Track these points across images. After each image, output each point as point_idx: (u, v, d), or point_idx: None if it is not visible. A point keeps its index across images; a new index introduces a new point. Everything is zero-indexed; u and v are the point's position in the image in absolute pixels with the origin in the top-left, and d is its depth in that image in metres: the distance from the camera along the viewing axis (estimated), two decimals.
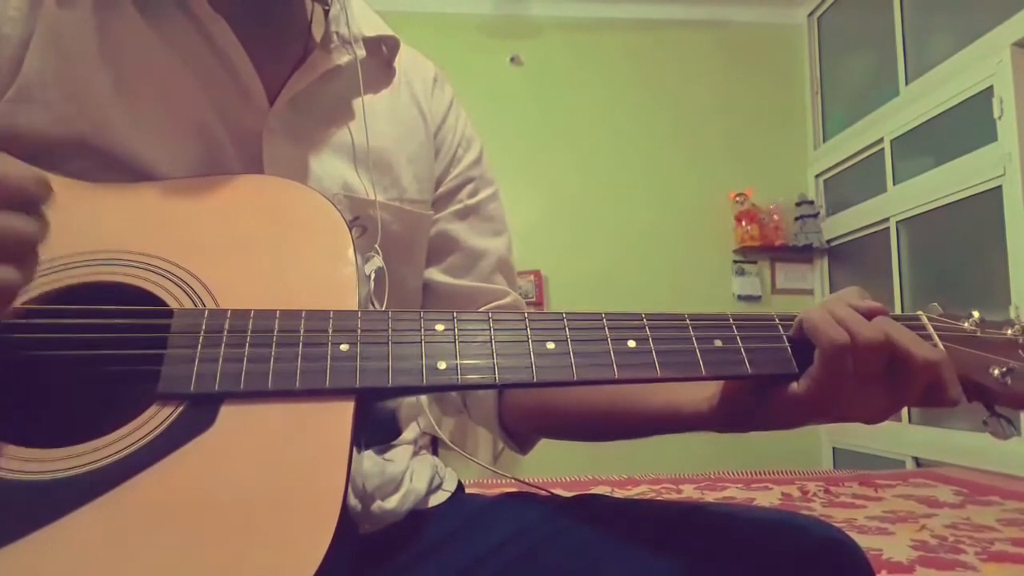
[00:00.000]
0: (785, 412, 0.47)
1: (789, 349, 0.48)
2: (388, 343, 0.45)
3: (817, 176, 3.57)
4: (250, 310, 0.45)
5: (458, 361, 0.45)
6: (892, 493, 2.00)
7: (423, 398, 0.69)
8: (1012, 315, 0.53)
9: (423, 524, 0.61)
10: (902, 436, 2.86)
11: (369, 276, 0.59)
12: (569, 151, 3.48)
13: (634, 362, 0.47)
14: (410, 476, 0.61)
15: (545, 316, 0.48)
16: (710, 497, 1.97)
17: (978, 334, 0.51)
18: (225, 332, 0.44)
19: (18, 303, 0.42)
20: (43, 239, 0.40)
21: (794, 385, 0.47)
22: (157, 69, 0.58)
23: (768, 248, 3.45)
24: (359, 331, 0.45)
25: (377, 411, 0.63)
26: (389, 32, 0.70)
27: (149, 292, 0.47)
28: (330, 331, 0.45)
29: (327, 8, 0.66)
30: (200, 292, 0.47)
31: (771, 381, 0.48)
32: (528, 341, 0.47)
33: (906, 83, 2.95)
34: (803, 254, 3.49)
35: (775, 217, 3.46)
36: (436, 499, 0.64)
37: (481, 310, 0.69)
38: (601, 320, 0.48)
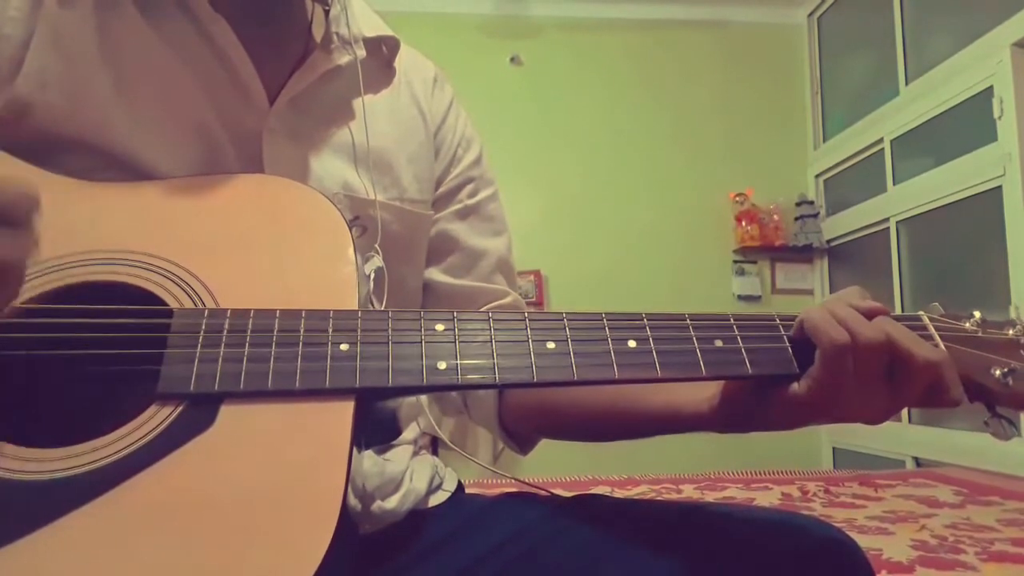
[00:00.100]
0: (786, 412, 0.47)
1: (790, 349, 0.48)
2: (388, 343, 0.45)
3: (817, 176, 3.57)
4: (250, 310, 0.45)
5: (458, 361, 0.45)
6: (892, 493, 2.00)
7: (423, 398, 0.69)
8: (1013, 315, 0.53)
9: (423, 524, 0.61)
10: (902, 436, 2.86)
11: (368, 276, 0.59)
12: (569, 151, 3.48)
13: (634, 362, 0.46)
14: (410, 476, 0.61)
15: (545, 316, 0.48)
16: (710, 497, 1.97)
17: (979, 334, 0.51)
18: (225, 332, 0.44)
19: (17, 303, 0.42)
20: (30, 255, 0.39)
21: (795, 385, 0.46)
22: (157, 69, 0.57)
23: (768, 248, 3.45)
24: (359, 331, 0.45)
25: (377, 411, 0.63)
26: (389, 32, 0.70)
27: (149, 292, 0.47)
28: (330, 331, 0.45)
29: (327, 8, 0.66)
30: (200, 292, 0.47)
31: (772, 381, 0.48)
32: (528, 341, 0.46)
33: (906, 83, 2.95)
34: (803, 254, 3.49)
35: (775, 217, 3.46)
36: (436, 499, 0.64)
37: (481, 310, 0.69)
38: (601, 320, 0.48)
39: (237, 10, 0.59)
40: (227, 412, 0.42)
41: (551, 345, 0.46)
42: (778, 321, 0.49)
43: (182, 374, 0.42)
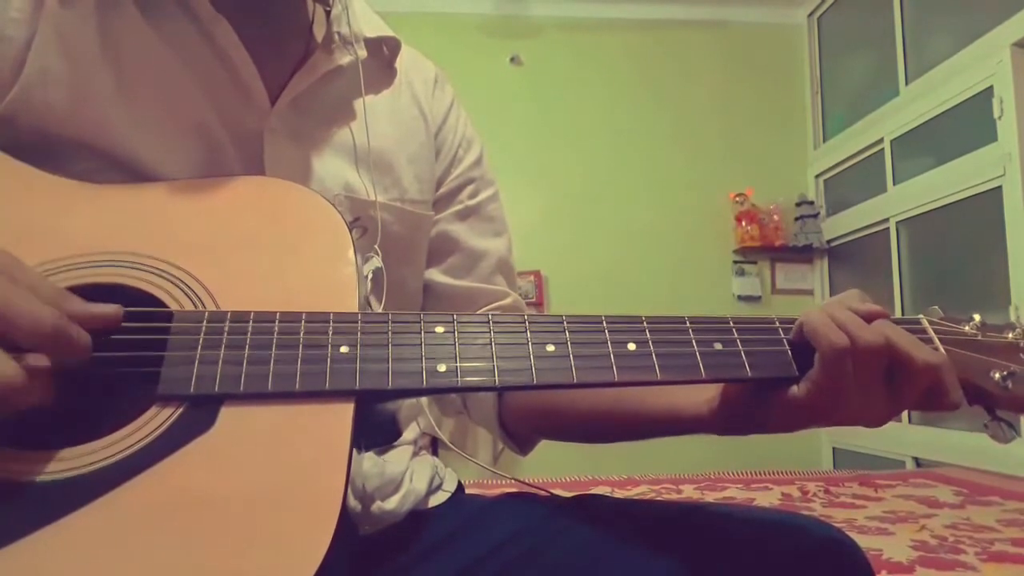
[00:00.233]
0: (785, 415, 0.47)
1: (789, 352, 0.48)
2: (388, 345, 0.45)
3: (817, 176, 3.57)
4: (250, 312, 0.45)
5: (458, 363, 0.45)
6: (892, 493, 2.00)
7: (423, 399, 0.69)
8: (1013, 318, 0.53)
9: (423, 525, 0.61)
10: (902, 436, 2.86)
11: (367, 277, 0.59)
12: (569, 151, 3.48)
13: (634, 364, 0.46)
14: (410, 477, 0.61)
15: (545, 318, 0.48)
16: (710, 497, 1.97)
17: (979, 337, 0.51)
18: (225, 334, 0.44)
19: None
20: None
21: (794, 388, 0.46)
22: (158, 69, 0.58)
23: (768, 248, 3.45)
24: (359, 333, 0.45)
25: (377, 412, 0.63)
26: (390, 33, 0.70)
27: (149, 294, 0.47)
28: (330, 333, 0.45)
29: (328, 9, 0.66)
30: (200, 293, 0.47)
31: (771, 384, 0.48)
32: (528, 343, 0.46)
33: (906, 83, 2.95)
34: (803, 254, 3.49)
35: (775, 217, 3.46)
36: (436, 500, 0.64)
37: (481, 311, 0.69)
38: (601, 322, 0.48)
39: (238, 10, 0.59)
40: (227, 414, 0.42)
41: (551, 347, 0.46)
42: (777, 324, 0.49)
43: (182, 376, 0.43)
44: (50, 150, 0.53)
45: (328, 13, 0.65)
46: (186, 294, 0.47)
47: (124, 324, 0.44)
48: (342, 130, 0.65)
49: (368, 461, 0.57)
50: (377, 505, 0.56)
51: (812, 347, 0.46)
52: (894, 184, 3.01)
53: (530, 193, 3.37)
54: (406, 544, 0.59)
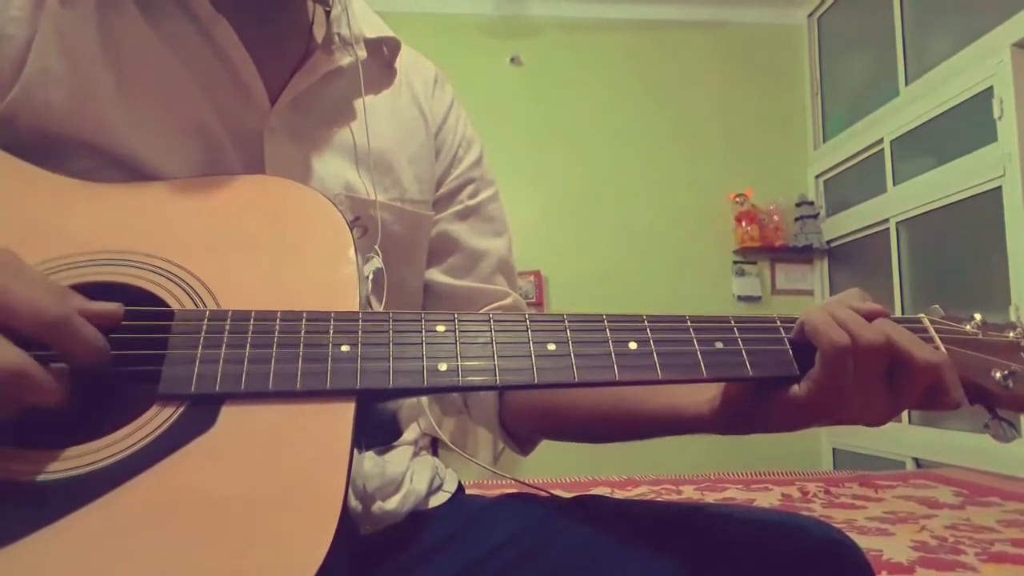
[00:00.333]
0: (786, 414, 0.47)
1: (790, 351, 0.48)
2: (389, 344, 0.45)
3: (817, 176, 3.57)
4: (251, 311, 0.45)
5: (459, 363, 0.45)
6: (892, 494, 2.00)
7: (423, 399, 0.69)
8: (1013, 317, 0.53)
9: (423, 525, 0.61)
10: (902, 437, 2.86)
11: (367, 278, 0.59)
12: (569, 151, 3.48)
13: (635, 364, 0.46)
14: (410, 477, 0.61)
15: (546, 317, 0.48)
16: (710, 498, 1.97)
17: (980, 337, 0.51)
18: (226, 333, 0.44)
19: None
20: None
21: (795, 387, 0.46)
22: (158, 69, 0.58)
23: (768, 249, 3.45)
24: (360, 332, 0.45)
25: (378, 412, 0.63)
26: (390, 33, 0.70)
27: (150, 292, 0.47)
28: (331, 332, 0.45)
29: (328, 9, 0.66)
30: (201, 292, 0.47)
31: (772, 383, 0.48)
32: (529, 343, 0.46)
33: (906, 83, 2.95)
34: (803, 255, 3.49)
35: (775, 218, 3.46)
36: (436, 500, 0.64)
37: (482, 311, 0.69)
38: (602, 322, 0.48)
39: (238, 10, 0.59)
40: (228, 413, 0.42)
41: (552, 347, 0.46)
42: (779, 323, 0.49)
43: (183, 375, 0.43)
44: (50, 149, 0.53)
45: (328, 13, 0.65)
46: (187, 293, 0.47)
47: (125, 323, 0.44)
48: (342, 130, 0.65)
49: (369, 461, 0.57)
50: (378, 505, 0.56)
51: (813, 346, 0.46)
52: (894, 184, 3.01)
53: (530, 193, 3.36)
54: (406, 544, 0.59)
